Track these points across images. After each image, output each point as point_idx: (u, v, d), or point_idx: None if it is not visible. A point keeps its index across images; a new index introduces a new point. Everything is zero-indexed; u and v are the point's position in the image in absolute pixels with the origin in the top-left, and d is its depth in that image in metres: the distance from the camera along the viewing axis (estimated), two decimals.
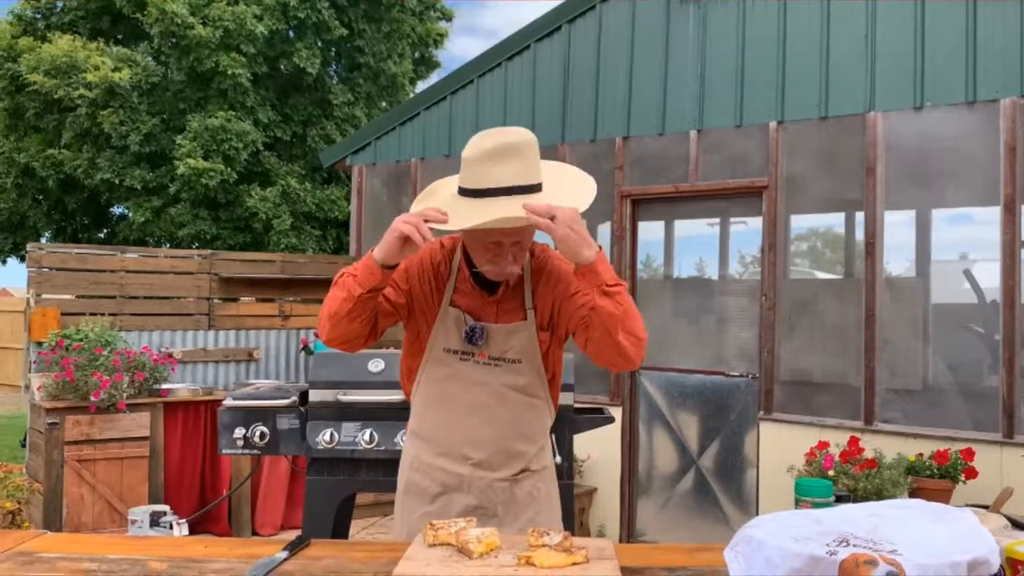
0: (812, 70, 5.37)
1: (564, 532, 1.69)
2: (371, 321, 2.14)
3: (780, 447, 5.23)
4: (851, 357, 5.21)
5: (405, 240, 1.99)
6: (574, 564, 1.62)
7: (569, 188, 2.09)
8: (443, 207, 2.02)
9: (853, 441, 4.63)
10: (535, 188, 2.02)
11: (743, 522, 1.67)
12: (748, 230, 6.17)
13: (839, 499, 4.07)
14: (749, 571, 1.49)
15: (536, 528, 1.73)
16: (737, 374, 5.69)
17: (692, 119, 5.83)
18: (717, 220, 6.32)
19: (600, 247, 2.00)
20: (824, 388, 5.38)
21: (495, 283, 2.20)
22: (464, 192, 2.04)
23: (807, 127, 5.41)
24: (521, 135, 2.05)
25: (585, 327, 2.08)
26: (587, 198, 2.07)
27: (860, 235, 5.27)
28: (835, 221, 5.93)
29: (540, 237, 2.16)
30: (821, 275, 6.03)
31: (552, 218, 1.90)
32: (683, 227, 6.52)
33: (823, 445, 4.67)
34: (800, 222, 5.85)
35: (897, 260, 5.41)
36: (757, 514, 5.24)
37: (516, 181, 1.99)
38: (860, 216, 5.26)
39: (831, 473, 4.40)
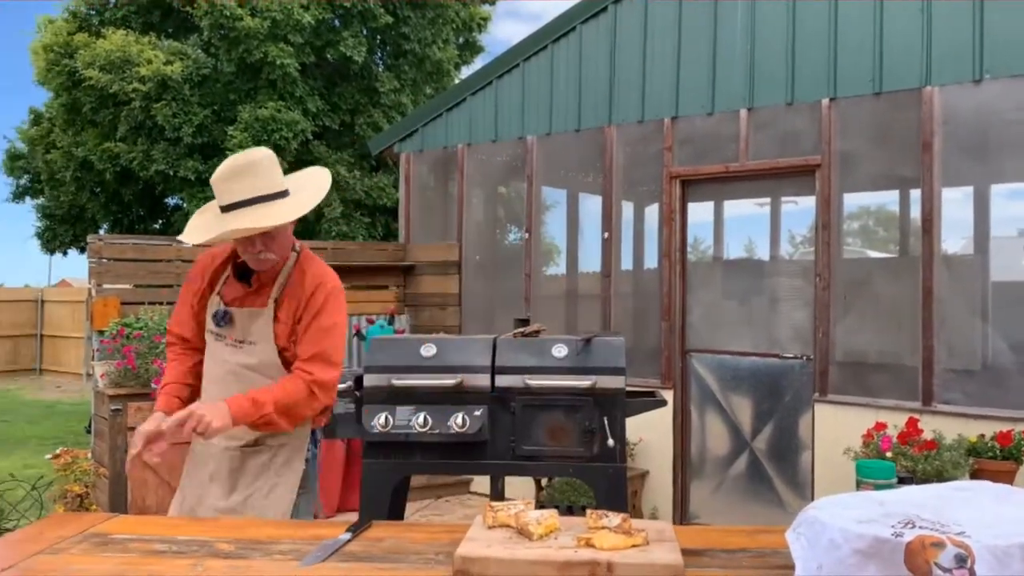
0: (865, 45, 5.25)
1: (623, 514, 1.70)
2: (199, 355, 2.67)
3: (836, 429, 5.16)
4: (907, 337, 5.11)
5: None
6: (634, 546, 1.63)
7: (305, 192, 2.51)
8: (206, 220, 2.46)
9: (911, 422, 4.55)
10: (275, 196, 2.43)
11: (798, 504, 1.66)
12: (798, 209, 6.08)
13: (901, 481, 4.03)
14: (812, 552, 1.49)
15: (595, 511, 1.74)
16: (791, 356, 5.63)
17: (742, 97, 5.75)
18: (767, 200, 6.24)
19: (223, 424, 2.33)
20: (880, 369, 5.30)
21: (250, 277, 2.58)
22: (221, 208, 2.43)
23: (860, 103, 5.30)
24: (253, 155, 2.45)
25: None
26: (315, 200, 2.51)
27: (915, 212, 5.16)
28: (888, 199, 5.83)
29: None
30: (873, 254, 5.93)
31: (202, 433, 2.29)
32: (731, 207, 6.45)
33: (880, 427, 4.60)
34: (852, 200, 5.75)
35: (954, 237, 5.30)
36: (812, 496, 5.19)
37: (250, 194, 2.39)
38: (915, 193, 5.15)
39: (889, 455, 4.34)
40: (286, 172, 2.69)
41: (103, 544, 1.87)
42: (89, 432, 6.85)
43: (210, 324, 2.60)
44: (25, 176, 14.11)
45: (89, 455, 6.02)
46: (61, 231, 13.60)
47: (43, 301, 17.42)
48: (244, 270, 2.60)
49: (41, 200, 13.90)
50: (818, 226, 5.46)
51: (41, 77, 12.02)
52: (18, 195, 14.27)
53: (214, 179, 2.43)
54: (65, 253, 14.23)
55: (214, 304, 2.61)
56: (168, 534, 1.94)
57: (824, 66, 5.41)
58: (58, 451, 5.32)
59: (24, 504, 5.59)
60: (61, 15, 12.41)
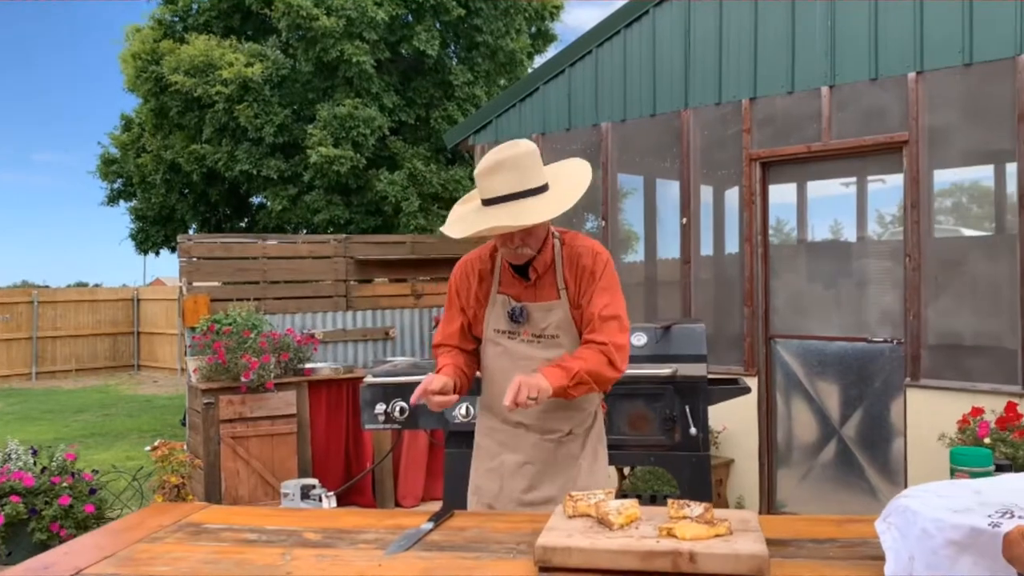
0: (953, 14, 5.03)
1: (705, 504, 1.68)
2: (474, 354, 2.64)
3: (929, 415, 4.99)
4: (1005, 318, 4.90)
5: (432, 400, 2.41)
6: (717, 536, 1.60)
7: (564, 187, 2.43)
8: (467, 214, 2.45)
9: (1011, 407, 4.37)
10: (535, 191, 2.37)
11: (891, 493, 1.61)
12: (886, 188, 5.87)
13: (999, 468, 3.87)
14: (903, 543, 1.44)
15: (676, 500, 1.72)
16: (880, 340, 5.46)
17: (823, 75, 5.58)
18: (853, 179, 6.05)
19: (548, 387, 2.28)
20: (976, 352, 5.09)
21: (527, 271, 2.53)
22: (483, 201, 2.41)
23: (949, 75, 5.09)
24: (516, 148, 2.37)
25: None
26: (577, 195, 2.41)
27: (1012, 187, 4.93)
28: (981, 174, 5.57)
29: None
30: (968, 232, 5.69)
31: (516, 405, 2.21)
32: (815, 188, 6.27)
33: (977, 412, 4.43)
34: (943, 177, 5.52)
35: None
36: (905, 484, 5.03)
37: (512, 189, 2.34)
38: (1011, 167, 4.92)
39: (987, 441, 4.17)
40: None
41: (197, 533, 1.94)
42: (184, 425, 7.11)
43: (502, 323, 2.55)
44: (118, 180, 14.69)
45: (184, 447, 6.25)
46: (153, 232, 14.11)
47: (139, 300, 18.15)
48: (518, 264, 2.54)
49: (134, 202, 14.45)
50: (906, 205, 5.27)
51: (131, 84, 12.47)
52: (112, 199, 14.87)
53: (477, 172, 2.38)
54: (157, 253, 14.77)
55: (503, 302, 2.56)
56: (258, 523, 2.01)
57: (910, 39, 5.20)
58: (156, 443, 5.54)
59: (126, 494, 5.85)
60: (147, 23, 12.85)
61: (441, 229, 2.47)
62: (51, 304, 16.95)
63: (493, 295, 2.57)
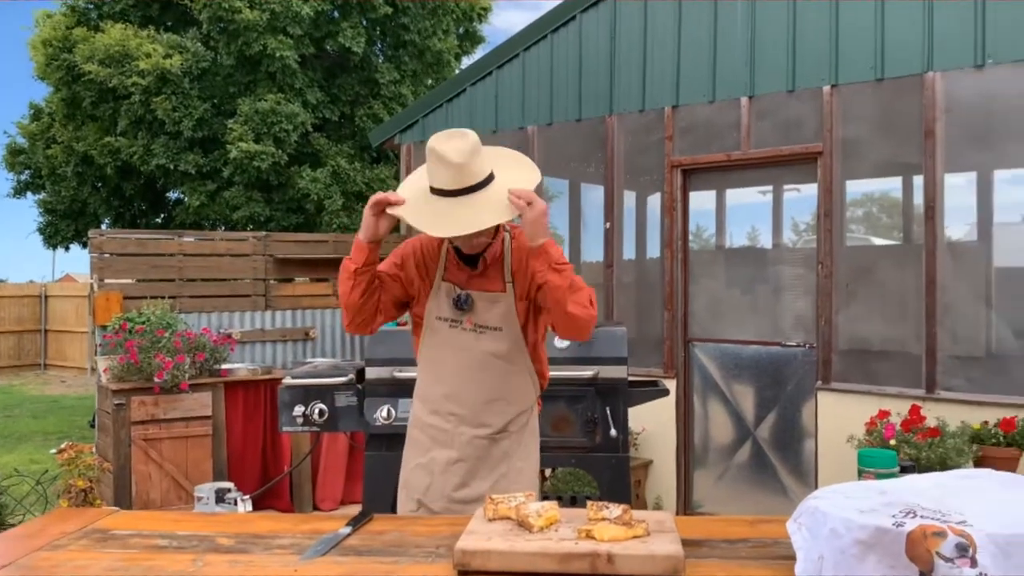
0: (867, 30, 5.22)
1: (623, 505, 1.69)
2: (374, 294, 2.48)
3: (839, 417, 5.15)
4: (911, 324, 5.10)
5: (377, 212, 2.37)
6: (634, 537, 1.62)
7: (517, 173, 2.41)
8: (421, 206, 2.33)
9: (914, 410, 4.55)
10: (488, 180, 2.34)
11: (802, 493, 1.66)
12: (802, 197, 6.05)
13: (903, 469, 4.02)
14: (813, 543, 1.48)
15: (595, 502, 1.74)
16: (794, 344, 5.62)
17: (743, 85, 5.72)
18: (770, 188, 6.22)
19: (552, 235, 2.31)
20: (884, 356, 5.28)
21: (476, 259, 2.50)
22: (452, 191, 2.30)
23: (862, 90, 5.27)
24: (470, 135, 2.30)
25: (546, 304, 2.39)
26: (536, 176, 2.43)
27: (919, 199, 5.14)
28: (892, 186, 5.79)
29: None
30: (878, 241, 5.91)
31: (530, 204, 2.27)
32: (734, 196, 6.43)
33: (883, 414, 4.59)
34: (855, 187, 5.73)
35: (958, 224, 5.26)
36: (816, 485, 5.19)
37: (482, 175, 2.31)
38: (918, 180, 5.13)
39: (892, 443, 4.33)
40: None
41: (104, 540, 1.87)
42: (93, 427, 6.86)
43: (445, 310, 2.51)
44: (26, 171, 14.10)
45: (93, 449, 6.03)
46: (63, 226, 13.60)
47: (46, 296, 17.46)
48: (470, 253, 2.50)
49: (42, 195, 13.90)
50: (820, 214, 5.44)
51: (40, 72, 12.00)
52: (19, 190, 14.26)
53: (457, 162, 2.25)
54: (67, 248, 14.25)
55: (447, 290, 2.52)
56: (169, 529, 1.94)
57: (825, 52, 5.38)
58: (63, 446, 5.32)
59: (29, 499, 5.62)
60: (59, 9, 12.38)
61: (427, 231, 2.33)
62: None
63: (438, 281, 2.54)
